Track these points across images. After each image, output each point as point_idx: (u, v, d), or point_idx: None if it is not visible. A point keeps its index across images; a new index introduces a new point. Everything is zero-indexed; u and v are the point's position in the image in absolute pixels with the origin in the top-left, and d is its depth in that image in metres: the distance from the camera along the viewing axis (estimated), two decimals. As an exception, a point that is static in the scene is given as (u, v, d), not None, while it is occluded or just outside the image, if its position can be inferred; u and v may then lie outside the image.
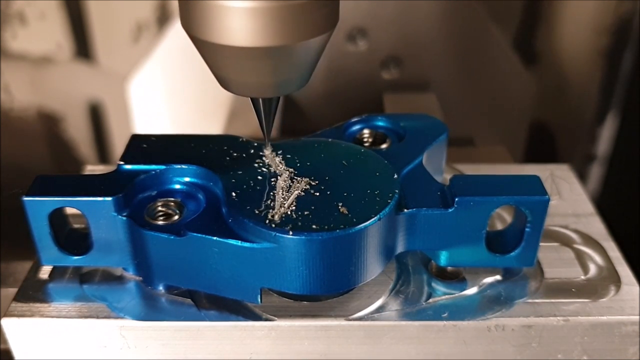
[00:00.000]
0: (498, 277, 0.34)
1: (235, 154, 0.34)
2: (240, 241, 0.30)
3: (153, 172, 0.33)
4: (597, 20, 0.67)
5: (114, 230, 0.32)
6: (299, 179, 0.32)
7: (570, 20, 0.68)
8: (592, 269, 0.35)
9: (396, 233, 0.32)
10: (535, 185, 0.32)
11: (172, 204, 0.32)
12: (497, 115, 0.70)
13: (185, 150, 0.35)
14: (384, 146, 0.37)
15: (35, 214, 0.31)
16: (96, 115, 0.78)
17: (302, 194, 0.31)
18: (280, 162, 0.33)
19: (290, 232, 0.29)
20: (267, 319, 0.32)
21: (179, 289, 0.33)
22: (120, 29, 0.72)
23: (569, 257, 0.36)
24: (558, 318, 0.32)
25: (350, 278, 0.31)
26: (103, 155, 0.80)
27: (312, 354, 0.32)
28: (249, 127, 0.53)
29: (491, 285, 0.34)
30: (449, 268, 0.34)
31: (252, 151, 0.34)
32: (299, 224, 0.29)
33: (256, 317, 0.32)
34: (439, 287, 0.33)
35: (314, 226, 0.29)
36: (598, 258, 0.36)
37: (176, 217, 0.32)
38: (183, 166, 0.33)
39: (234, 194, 0.31)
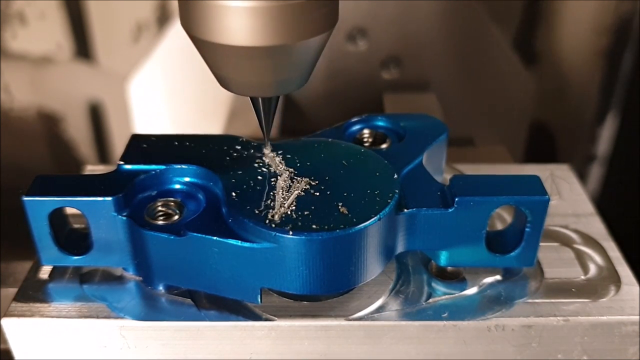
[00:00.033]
0: (498, 277, 0.34)
1: (235, 154, 0.34)
2: (240, 241, 0.30)
3: (153, 172, 0.33)
4: (597, 20, 0.67)
5: (114, 230, 0.32)
6: (299, 179, 0.32)
7: (570, 20, 0.68)
8: (592, 269, 0.35)
9: (396, 233, 0.32)
10: (535, 185, 0.32)
11: (172, 204, 0.32)
12: (497, 115, 0.70)
13: (185, 150, 0.35)
14: (384, 146, 0.37)
15: (35, 214, 0.31)
16: (96, 115, 0.78)
17: (302, 194, 0.31)
18: (280, 162, 0.33)
19: (290, 232, 0.29)
20: (267, 319, 0.32)
21: (179, 289, 0.33)
22: (120, 29, 0.72)
23: (569, 257, 0.36)
24: (558, 318, 0.32)
25: (350, 278, 0.31)
26: (103, 155, 0.80)
27: (312, 354, 0.32)
28: (249, 127, 0.53)
29: (491, 285, 0.34)
30: (449, 268, 0.34)
31: (252, 151, 0.34)
32: (299, 224, 0.29)
33: (256, 317, 0.32)
34: (439, 287, 0.33)
35: (314, 226, 0.29)
36: (598, 258, 0.35)
37: (176, 217, 0.32)
38: (183, 166, 0.33)
39: (234, 194, 0.31)
